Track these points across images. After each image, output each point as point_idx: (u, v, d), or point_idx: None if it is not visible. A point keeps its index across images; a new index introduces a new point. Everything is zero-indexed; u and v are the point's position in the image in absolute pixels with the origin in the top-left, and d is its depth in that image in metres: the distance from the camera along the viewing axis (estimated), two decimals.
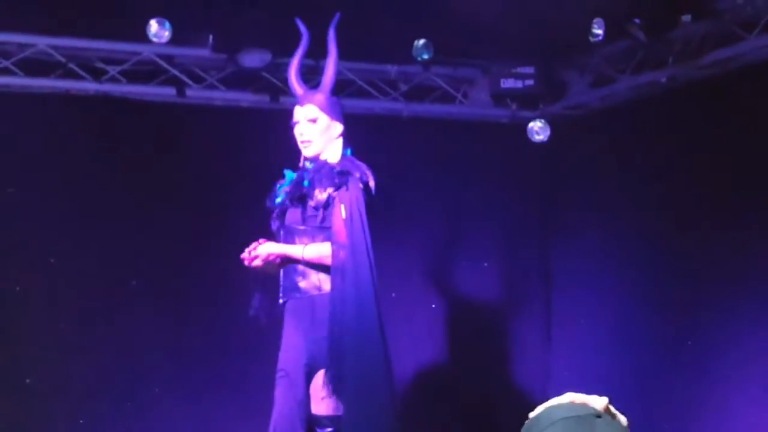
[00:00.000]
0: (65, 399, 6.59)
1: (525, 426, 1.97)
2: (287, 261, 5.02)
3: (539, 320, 7.51)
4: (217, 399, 6.64)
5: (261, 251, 4.98)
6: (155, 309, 6.71)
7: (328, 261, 4.90)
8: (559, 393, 1.88)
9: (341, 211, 4.90)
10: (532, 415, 1.99)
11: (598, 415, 1.92)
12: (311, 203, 4.98)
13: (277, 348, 5.06)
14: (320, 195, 4.95)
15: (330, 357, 4.81)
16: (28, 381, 6.56)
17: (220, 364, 6.60)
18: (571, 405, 1.94)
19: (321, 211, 4.95)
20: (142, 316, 6.70)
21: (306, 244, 4.98)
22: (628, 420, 1.96)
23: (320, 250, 4.93)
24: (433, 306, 7.31)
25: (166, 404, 6.71)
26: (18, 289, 6.60)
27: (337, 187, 4.94)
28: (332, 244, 4.89)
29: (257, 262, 4.99)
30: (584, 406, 1.93)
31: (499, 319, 7.41)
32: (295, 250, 4.97)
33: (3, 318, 6.52)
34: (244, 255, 5.01)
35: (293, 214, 5.06)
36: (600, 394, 1.95)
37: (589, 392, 1.93)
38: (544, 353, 7.47)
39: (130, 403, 6.66)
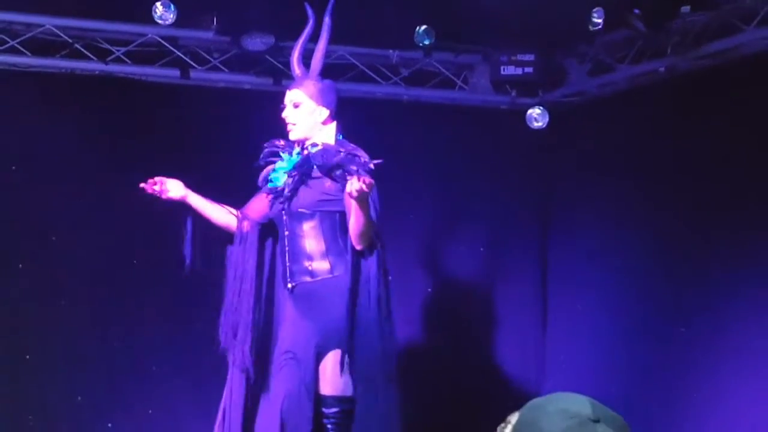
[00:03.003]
0: (64, 376, 6.63)
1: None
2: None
3: (535, 306, 7.54)
4: (215, 377, 6.65)
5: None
6: (155, 288, 6.74)
7: (370, 232, 4.81)
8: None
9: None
10: (513, 419, 1.93)
11: (596, 420, 1.88)
12: (325, 186, 4.95)
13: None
14: (333, 178, 4.91)
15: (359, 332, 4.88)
16: (27, 357, 6.61)
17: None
18: (565, 413, 1.89)
19: (334, 194, 4.91)
20: (142, 295, 6.74)
21: (314, 229, 4.97)
22: (615, 411, 1.92)
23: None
24: (429, 290, 7.35)
25: (163, 382, 6.76)
26: (20, 266, 6.64)
27: (351, 172, 4.82)
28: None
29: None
30: (577, 412, 1.88)
31: (495, 305, 7.44)
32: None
33: (4, 295, 6.56)
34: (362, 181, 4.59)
35: (303, 198, 5.00)
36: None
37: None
38: (539, 339, 7.51)
39: (127, 382, 6.69)
